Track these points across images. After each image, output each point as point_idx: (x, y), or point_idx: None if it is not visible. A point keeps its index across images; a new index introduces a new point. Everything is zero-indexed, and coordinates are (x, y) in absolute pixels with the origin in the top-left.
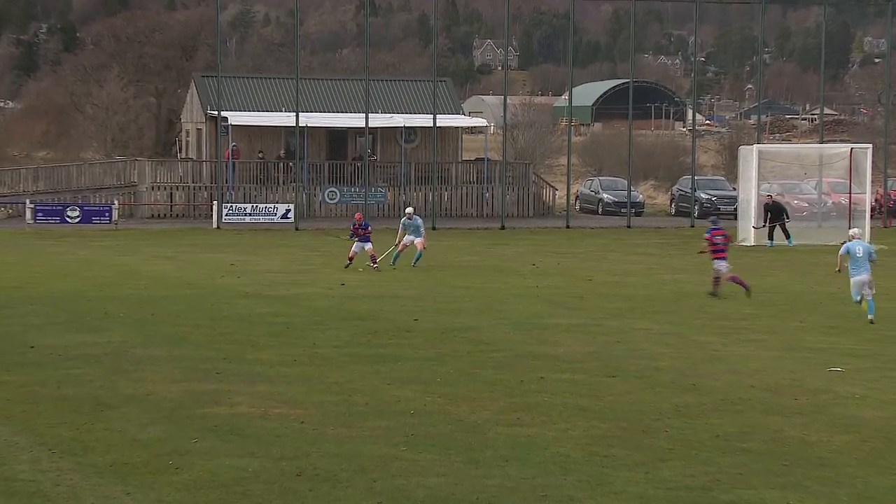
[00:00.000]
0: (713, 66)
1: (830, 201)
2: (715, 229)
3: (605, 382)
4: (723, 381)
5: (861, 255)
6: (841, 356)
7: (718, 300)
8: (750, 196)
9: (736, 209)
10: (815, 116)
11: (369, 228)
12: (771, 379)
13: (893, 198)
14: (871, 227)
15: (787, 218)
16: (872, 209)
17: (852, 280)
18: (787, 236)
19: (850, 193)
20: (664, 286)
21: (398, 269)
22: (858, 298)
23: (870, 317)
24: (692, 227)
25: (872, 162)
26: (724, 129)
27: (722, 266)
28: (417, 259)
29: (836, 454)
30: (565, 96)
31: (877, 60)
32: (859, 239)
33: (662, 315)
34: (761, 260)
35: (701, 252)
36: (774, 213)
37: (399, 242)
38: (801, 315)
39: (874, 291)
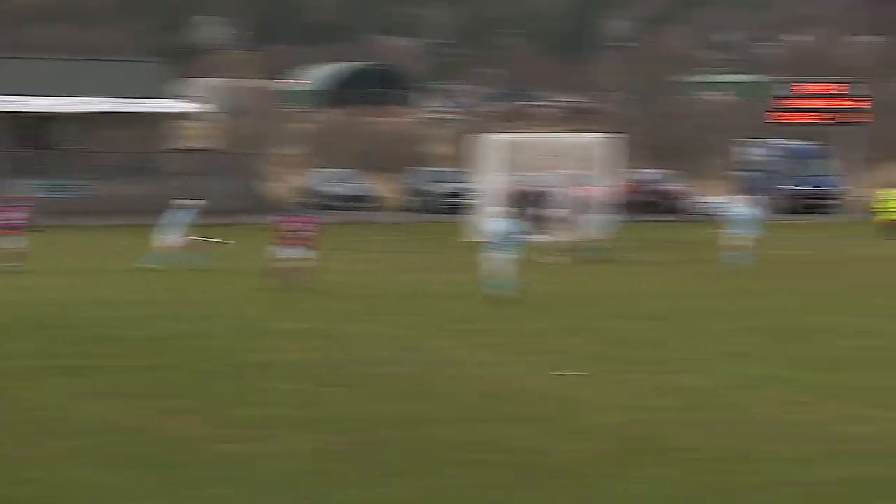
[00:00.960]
0: (454, 48)
1: (574, 194)
2: None
3: (332, 392)
4: (458, 388)
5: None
6: (579, 360)
7: (453, 301)
8: (492, 188)
9: (472, 202)
10: (561, 103)
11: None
12: (508, 385)
13: (636, 191)
14: (615, 221)
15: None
16: (620, 202)
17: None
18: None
19: (592, 186)
20: (397, 286)
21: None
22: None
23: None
24: (429, 222)
25: (620, 152)
26: (463, 117)
27: None
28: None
29: (574, 463)
30: (296, 80)
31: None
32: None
33: (395, 317)
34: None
35: None
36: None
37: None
38: (538, 318)
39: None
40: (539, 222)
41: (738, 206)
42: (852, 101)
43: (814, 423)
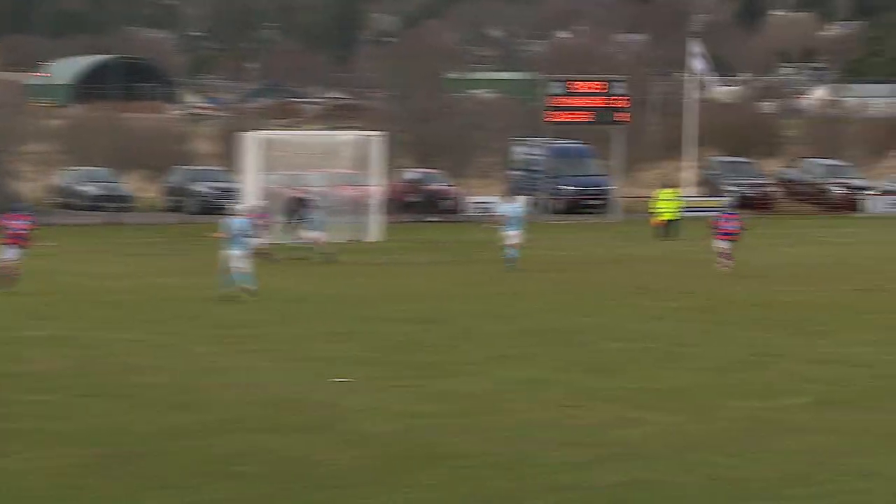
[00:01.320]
0: (211, 41)
1: (340, 194)
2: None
3: (85, 403)
4: (221, 396)
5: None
6: (349, 365)
7: (220, 305)
8: (254, 188)
9: (236, 203)
10: (325, 100)
11: None
12: (274, 393)
13: (402, 191)
14: (382, 222)
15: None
16: (384, 203)
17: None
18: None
19: (357, 185)
20: (156, 290)
21: None
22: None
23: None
24: (188, 223)
25: (385, 151)
26: (223, 113)
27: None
28: None
29: (344, 473)
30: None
31: (386, 39)
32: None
33: (154, 324)
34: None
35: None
36: (300, 210)
37: None
38: (305, 322)
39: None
40: (295, 223)
41: (506, 206)
42: (614, 99)
43: (587, 427)
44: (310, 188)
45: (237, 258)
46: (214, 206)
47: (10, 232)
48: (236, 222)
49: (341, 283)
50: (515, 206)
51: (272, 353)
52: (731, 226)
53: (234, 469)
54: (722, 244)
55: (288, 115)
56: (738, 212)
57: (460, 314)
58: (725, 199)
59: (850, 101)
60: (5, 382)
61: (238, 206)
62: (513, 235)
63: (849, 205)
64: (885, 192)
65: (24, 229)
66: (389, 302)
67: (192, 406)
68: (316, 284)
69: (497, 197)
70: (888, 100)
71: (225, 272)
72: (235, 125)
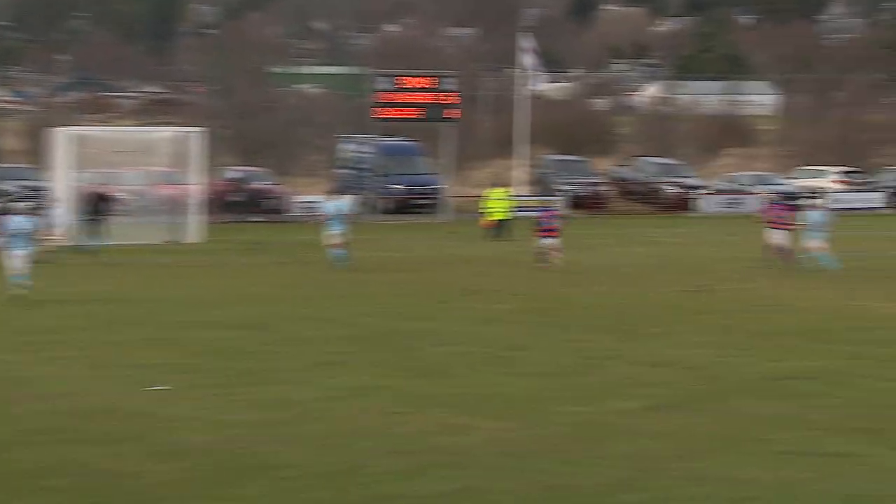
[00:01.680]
0: (18, 31)
1: (157, 193)
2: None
3: None
4: (26, 407)
5: None
6: (166, 372)
7: (25, 310)
8: (64, 187)
9: (46, 203)
10: (141, 94)
11: None
12: (85, 402)
13: (223, 190)
14: (202, 223)
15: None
16: (205, 202)
17: None
18: (102, 237)
19: (176, 184)
20: None
21: None
22: None
23: None
24: None
25: (206, 148)
26: (31, 108)
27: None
28: None
29: (157, 485)
30: None
31: (206, 31)
32: None
33: None
34: (82, 262)
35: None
36: (101, 206)
37: None
38: (120, 326)
39: None
40: (102, 223)
41: (330, 204)
42: (443, 96)
43: (415, 434)
44: (124, 187)
45: (16, 258)
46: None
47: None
48: (15, 221)
49: (158, 287)
50: (339, 204)
51: (83, 360)
52: (551, 223)
53: (43, 483)
54: (545, 241)
55: (101, 110)
56: (558, 209)
57: (284, 319)
58: (550, 198)
59: (683, 99)
60: None
61: (19, 205)
62: (335, 235)
63: (682, 204)
64: (718, 192)
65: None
66: (209, 306)
67: None
68: (131, 287)
69: (322, 195)
70: (720, 97)
71: (14, 273)
72: (44, 120)
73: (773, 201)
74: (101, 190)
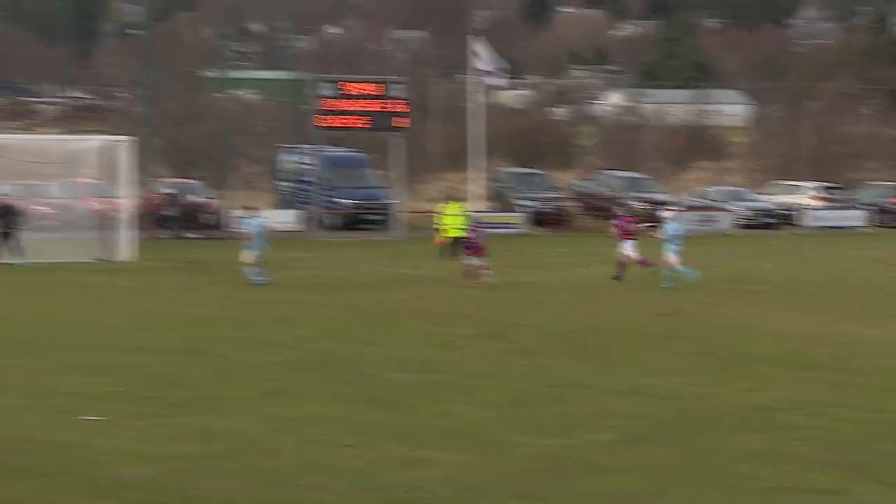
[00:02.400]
0: None
1: (84, 207)
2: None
3: None
4: None
5: None
6: (98, 401)
7: None
8: None
9: None
10: (63, 100)
11: None
12: (10, 433)
13: (155, 204)
14: (133, 239)
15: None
16: (136, 217)
17: None
18: (16, 252)
19: (106, 197)
20: None
21: None
22: None
23: None
24: None
25: (135, 158)
26: None
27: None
28: None
29: None
30: None
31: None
32: None
33: None
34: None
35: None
36: (9, 218)
37: None
38: (45, 351)
39: None
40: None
41: (257, 221)
42: (391, 103)
43: (368, 468)
44: (47, 200)
45: None
46: None
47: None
48: None
49: (87, 308)
50: (261, 220)
51: (8, 387)
52: (478, 240)
53: None
54: (472, 260)
55: (20, 117)
56: (482, 225)
57: (224, 343)
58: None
59: (648, 108)
60: None
61: None
62: (254, 254)
63: (650, 221)
64: (689, 208)
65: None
66: (143, 329)
67: None
68: (58, 309)
69: (242, 211)
70: (688, 106)
71: None
72: None
73: (621, 213)
74: (9, 202)
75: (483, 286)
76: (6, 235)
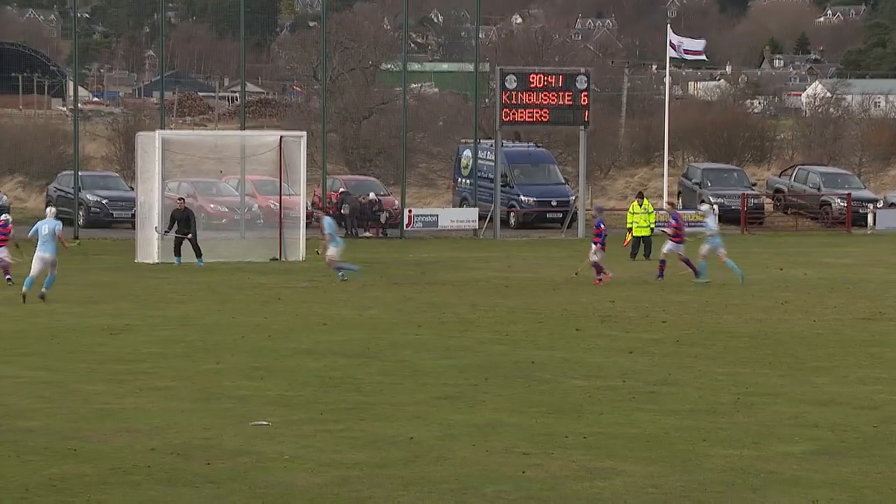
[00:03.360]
0: (101, 24)
1: (256, 205)
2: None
3: None
4: (114, 443)
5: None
6: (268, 405)
7: (115, 337)
8: (153, 198)
9: (134, 215)
10: (237, 94)
11: None
12: (179, 438)
13: (333, 201)
14: (306, 238)
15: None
16: (309, 215)
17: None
18: (198, 254)
19: (281, 195)
20: (37, 319)
21: None
22: None
23: None
24: (76, 238)
25: (309, 154)
26: (117, 110)
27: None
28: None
29: None
30: None
31: (312, 24)
32: None
33: (35, 357)
34: (167, 281)
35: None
36: (182, 223)
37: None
38: (218, 354)
39: None
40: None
41: (328, 221)
42: (576, 95)
43: (547, 479)
44: (219, 198)
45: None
46: (106, 218)
47: None
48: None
49: (257, 311)
50: (329, 220)
51: (177, 391)
52: (601, 234)
53: None
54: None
55: (194, 112)
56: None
57: (398, 346)
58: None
59: (852, 100)
60: None
61: (49, 209)
62: (334, 251)
63: (852, 220)
64: (893, 205)
65: None
66: (315, 332)
67: (81, 454)
68: (228, 310)
69: (321, 212)
70: (893, 97)
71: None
72: (131, 123)
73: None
74: (186, 205)
75: (602, 283)
76: (182, 240)
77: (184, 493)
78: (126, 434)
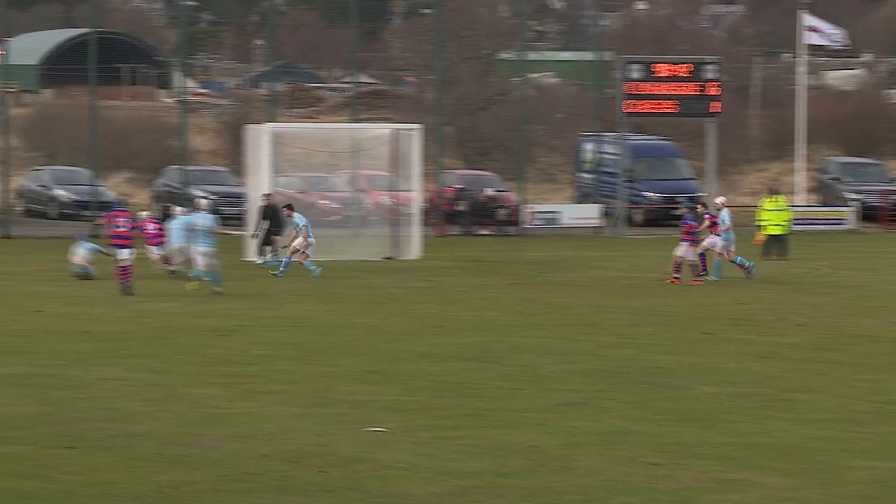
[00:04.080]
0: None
1: (369, 202)
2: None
3: (61, 456)
4: (226, 449)
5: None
6: (384, 411)
7: (224, 338)
8: (261, 192)
9: (243, 212)
10: (348, 85)
11: None
12: (291, 444)
13: (449, 197)
14: (420, 236)
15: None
16: (425, 212)
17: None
18: (262, 252)
19: (394, 190)
20: (144, 319)
21: None
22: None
23: None
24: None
25: (423, 148)
26: (225, 101)
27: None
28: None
29: None
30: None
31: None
32: None
33: (142, 359)
34: (277, 280)
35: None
36: (271, 220)
37: None
38: (331, 357)
39: None
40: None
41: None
42: (704, 86)
43: (677, 491)
44: (331, 193)
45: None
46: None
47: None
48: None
49: (371, 312)
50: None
51: (289, 395)
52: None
53: None
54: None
55: (304, 104)
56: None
57: (518, 350)
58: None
59: None
60: None
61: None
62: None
63: None
64: None
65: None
66: (431, 334)
67: (192, 460)
68: (340, 311)
69: (558, 206)
70: None
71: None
72: (240, 115)
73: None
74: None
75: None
76: (269, 237)
77: (297, 501)
78: (237, 440)
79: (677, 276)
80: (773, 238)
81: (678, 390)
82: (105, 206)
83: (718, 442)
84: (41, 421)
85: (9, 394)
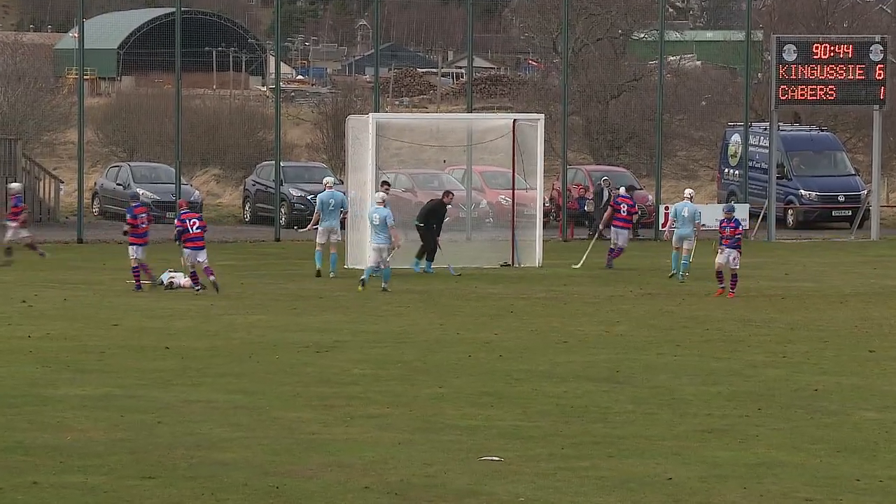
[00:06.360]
0: None
1: (485, 201)
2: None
3: (140, 487)
4: (323, 479)
5: None
6: (500, 438)
7: (320, 356)
8: (367, 192)
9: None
10: (462, 71)
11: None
12: (395, 475)
13: (576, 196)
14: (544, 239)
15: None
16: (546, 213)
17: None
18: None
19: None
20: (234, 334)
21: None
22: None
23: None
24: (278, 240)
25: (547, 140)
26: (325, 89)
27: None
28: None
29: None
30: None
31: None
32: None
33: (231, 379)
34: (367, 290)
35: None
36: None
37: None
38: (441, 376)
39: None
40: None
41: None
42: (868, 69)
43: None
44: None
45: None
46: (311, 216)
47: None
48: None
49: (486, 326)
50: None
51: (393, 419)
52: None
53: None
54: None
55: (412, 92)
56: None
57: (651, 369)
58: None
59: None
60: (35, 459)
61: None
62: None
63: None
64: None
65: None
66: (553, 351)
67: (285, 492)
68: (452, 326)
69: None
70: None
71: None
72: (340, 105)
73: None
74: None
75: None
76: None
77: None
78: (336, 469)
79: (723, 286)
80: None
81: (836, 416)
82: (192, 206)
83: (882, 475)
84: (119, 448)
85: (83, 417)
